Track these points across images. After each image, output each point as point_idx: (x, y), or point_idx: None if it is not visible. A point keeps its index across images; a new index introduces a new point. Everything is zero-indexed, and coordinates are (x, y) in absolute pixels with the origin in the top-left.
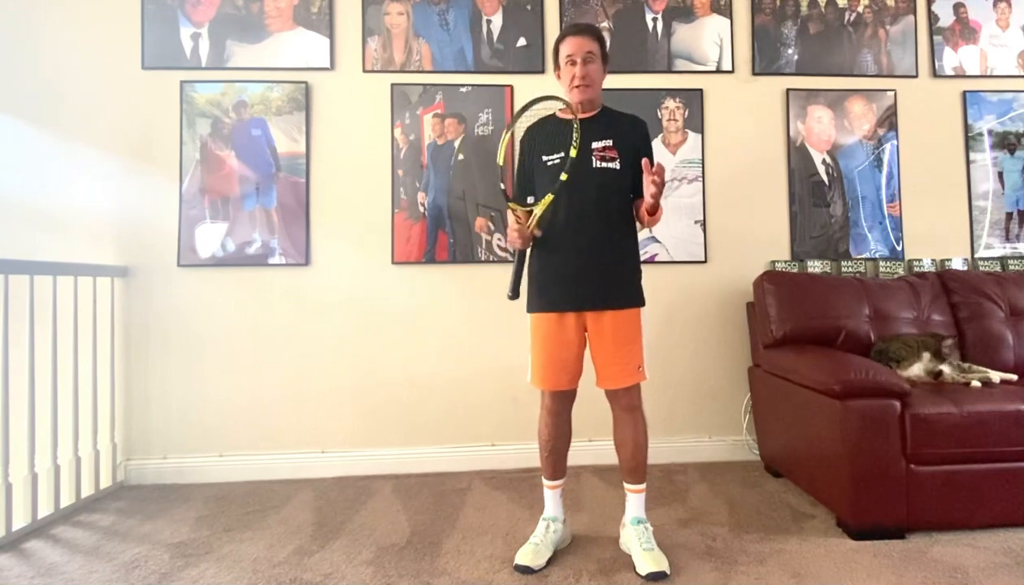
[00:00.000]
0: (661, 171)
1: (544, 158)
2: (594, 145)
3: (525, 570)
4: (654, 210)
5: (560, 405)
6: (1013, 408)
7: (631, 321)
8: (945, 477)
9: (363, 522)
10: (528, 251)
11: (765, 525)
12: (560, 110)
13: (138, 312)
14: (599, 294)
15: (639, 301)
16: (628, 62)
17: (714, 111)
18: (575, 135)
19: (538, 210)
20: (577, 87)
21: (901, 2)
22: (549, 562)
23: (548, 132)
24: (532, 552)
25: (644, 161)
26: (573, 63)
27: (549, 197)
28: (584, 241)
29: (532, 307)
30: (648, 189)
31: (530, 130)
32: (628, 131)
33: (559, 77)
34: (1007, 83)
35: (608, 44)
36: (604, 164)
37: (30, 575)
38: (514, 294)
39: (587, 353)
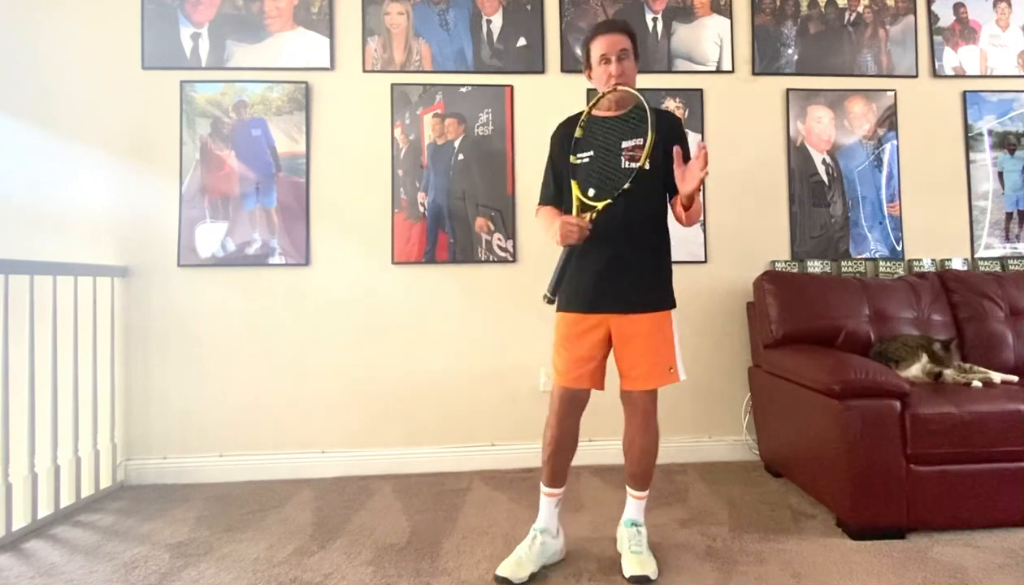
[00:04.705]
0: (703, 156)
1: (573, 156)
2: (624, 144)
3: (504, 582)
4: (690, 203)
5: (570, 409)
6: (1013, 408)
7: (663, 322)
8: (945, 477)
9: (363, 522)
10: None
11: (765, 525)
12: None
13: (138, 312)
14: (630, 297)
15: (670, 303)
16: None
17: (714, 111)
18: (649, 136)
19: (600, 205)
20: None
21: (901, 2)
22: (532, 577)
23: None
24: (514, 565)
25: (676, 149)
26: (607, 61)
27: (607, 201)
28: (615, 242)
29: (562, 306)
30: (685, 179)
31: (561, 128)
32: (660, 128)
33: (590, 77)
34: (1007, 83)
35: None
36: (634, 164)
37: (30, 575)
38: (553, 296)
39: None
